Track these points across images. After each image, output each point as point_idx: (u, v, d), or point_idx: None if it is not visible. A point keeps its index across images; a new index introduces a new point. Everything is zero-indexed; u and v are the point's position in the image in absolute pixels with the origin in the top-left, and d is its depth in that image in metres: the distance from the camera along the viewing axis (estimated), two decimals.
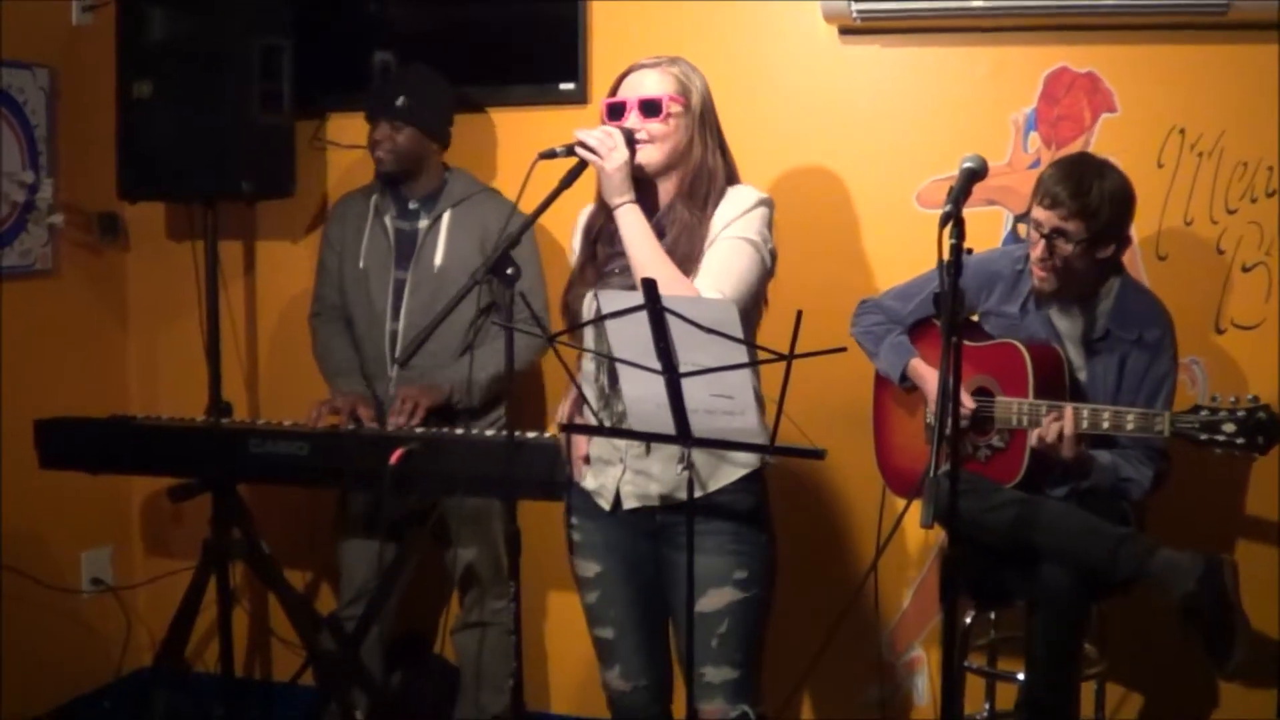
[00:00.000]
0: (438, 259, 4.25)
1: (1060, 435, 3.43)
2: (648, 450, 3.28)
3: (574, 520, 3.49)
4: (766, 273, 3.25)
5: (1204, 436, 3.31)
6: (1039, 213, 3.55)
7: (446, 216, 4.28)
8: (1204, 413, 3.33)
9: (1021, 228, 3.64)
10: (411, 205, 4.33)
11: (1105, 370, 3.65)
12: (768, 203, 3.27)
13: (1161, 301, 3.74)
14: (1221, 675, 3.35)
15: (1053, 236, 3.53)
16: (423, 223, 4.30)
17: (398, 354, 3.42)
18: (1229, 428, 3.29)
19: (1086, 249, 3.54)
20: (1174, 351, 3.67)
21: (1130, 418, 3.42)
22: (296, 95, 4.50)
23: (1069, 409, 3.46)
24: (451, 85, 4.44)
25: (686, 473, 2.99)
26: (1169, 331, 3.67)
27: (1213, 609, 3.32)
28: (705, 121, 3.28)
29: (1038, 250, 3.58)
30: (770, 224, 3.26)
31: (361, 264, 4.36)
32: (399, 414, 4.06)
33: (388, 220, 4.34)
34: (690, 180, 3.26)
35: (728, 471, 3.26)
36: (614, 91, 3.30)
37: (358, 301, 4.38)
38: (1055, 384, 3.62)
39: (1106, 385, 3.64)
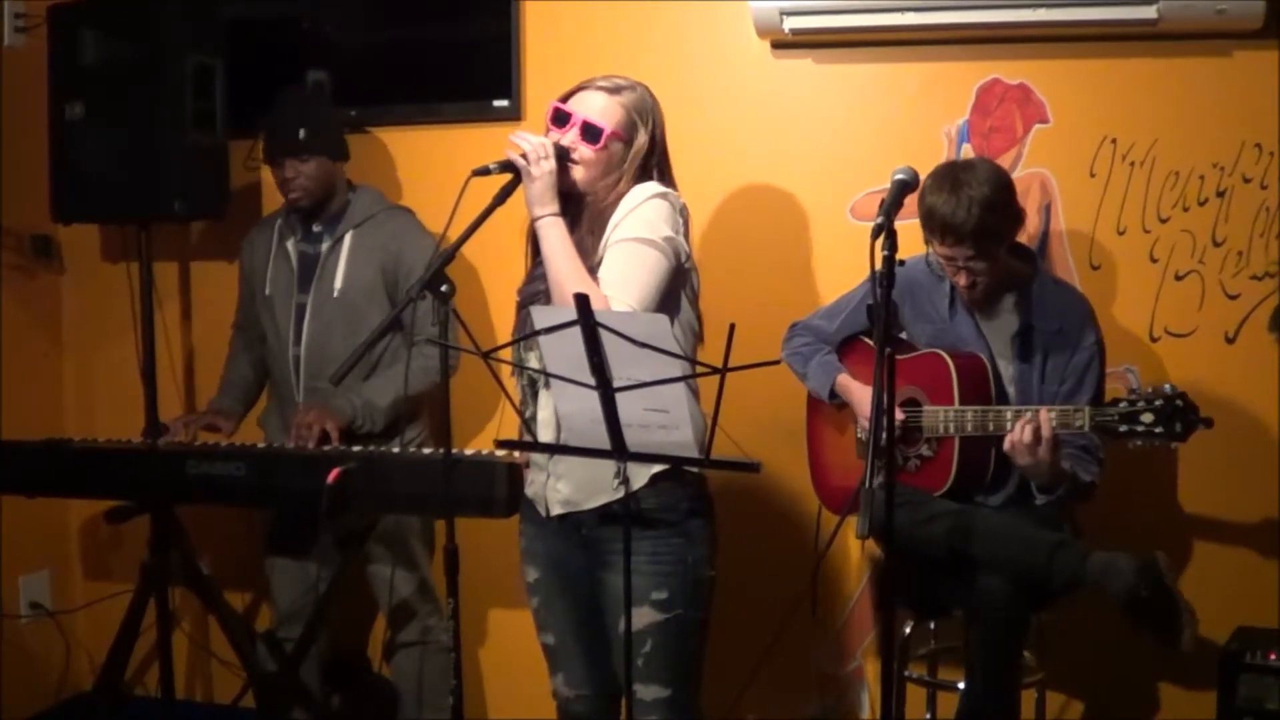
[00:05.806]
0: (337, 282, 4.24)
1: (1037, 435, 3.40)
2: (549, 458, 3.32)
3: (521, 526, 3.49)
4: (672, 267, 3.15)
5: (1124, 428, 3.31)
6: (945, 250, 3.55)
7: (348, 239, 4.27)
8: (1123, 404, 3.32)
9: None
10: (315, 228, 4.32)
11: (1031, 367, 3.67)
12: (664, 195, 3.18)
13: (1080, 292, 3.79)
14: (1177, 652, 3.35)
15: (971, 264, 3.56)
16: (324, 245, 4.28)
17: (330, 375, 3.39)
18: (1147, 418, 3.29)
19: (999, 255, 3.58)
20: (1095, 339, 3.68)
21: (1052, 415, 3.41)
22: (230, 115, 4.46)
23: (1043, 410, 3.43)
24: (392, 103, 4.47)
25: (608, 478, 3.03)
26: (1089, 319, 3.70)
27: (1155, 595, 3.32)
28: (643, 158, 3.25)
29: (962, 280, 3.60)
30: (672, 217, 3.16)
31: (268, 290, 4.37)
32: (299, 438, 4.05)
33: (290, 245, 4.33)
34: (603, 204, 3.23)
35: (636, 477, 3.17)
36: (566, 98, 3.27)
37: (267, 327, 4.39)
38: (980, 390, 3.64)
39: (1033, 382, 3.66)
